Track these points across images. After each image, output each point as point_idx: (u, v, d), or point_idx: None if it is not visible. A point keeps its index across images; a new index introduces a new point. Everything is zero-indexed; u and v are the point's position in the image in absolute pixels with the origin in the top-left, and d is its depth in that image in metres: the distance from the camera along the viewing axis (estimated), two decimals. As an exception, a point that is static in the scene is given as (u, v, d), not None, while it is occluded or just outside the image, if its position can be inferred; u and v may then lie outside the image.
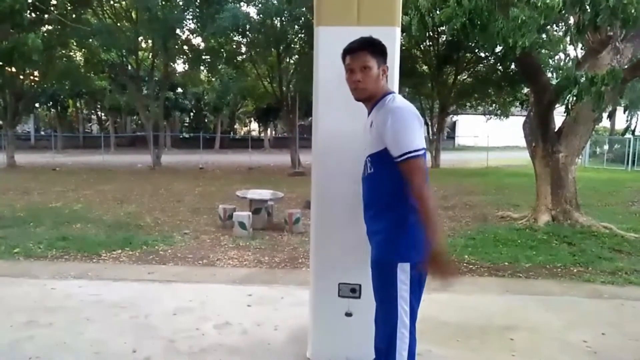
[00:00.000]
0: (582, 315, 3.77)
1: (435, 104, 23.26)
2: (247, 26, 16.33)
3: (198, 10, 17.88)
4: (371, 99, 2.14)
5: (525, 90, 17.45)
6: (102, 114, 41.14)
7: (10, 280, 4.48)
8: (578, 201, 7.43)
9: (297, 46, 19.04)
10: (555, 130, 7.38)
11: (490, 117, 26.71)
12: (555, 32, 7.70)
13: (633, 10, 5.00)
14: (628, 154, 21.00)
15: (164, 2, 17.74)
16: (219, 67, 22.32)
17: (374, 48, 2.10)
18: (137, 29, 18.92)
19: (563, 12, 5.66)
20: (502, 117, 24.87)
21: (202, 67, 23.69)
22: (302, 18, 16.18)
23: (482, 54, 18.85)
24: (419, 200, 1.94)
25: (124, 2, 19.81)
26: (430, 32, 17.42)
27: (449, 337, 3.26)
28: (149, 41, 20.96)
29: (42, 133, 41.97)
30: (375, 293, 2.17)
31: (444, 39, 18.96)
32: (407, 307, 2.05)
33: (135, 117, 39.95)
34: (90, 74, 23.70)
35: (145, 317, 3.55)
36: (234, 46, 20.39)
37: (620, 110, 8.01)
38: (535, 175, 7.65)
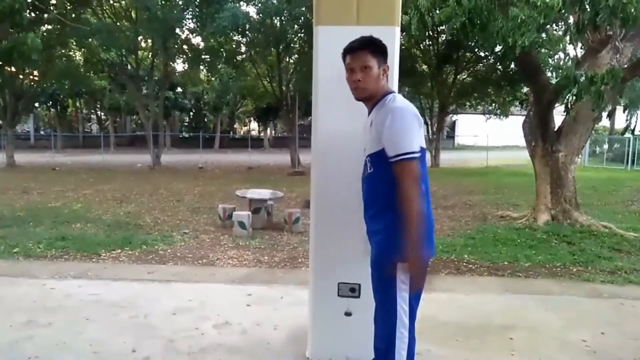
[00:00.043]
0: (581, 314, 3.77)
1: (434, 104, 23.26)
2: (247, 26, 16.32)
3: (198, 10, 17.87)
4: (371, 98, 2.13)
5: (525, 89, 17.44)
6: (102, 114, 41.14)
7: (9, 280, 4.48)
8: (578, 200, 7.43)
9: (297, 46, 19.03)
10: (555, 129, 7.38)
11: (490, 117, 26.70)
12: (554, 32, 7.69)
13: (633, 10, 5.00)
14: (628, 153, 21.02)
15: (163, 2, 17.73)
16: (219, 66, 22.32)
17: (374, 47, 2.09)
18: (136, 28, 18.92)
19: (563, 11, 5.66)
20: (501, 117, 24.88)
21: (201, 67, 23.68)
22: (302, 17, 16.17)
23: (482, 54, 18.84)
24: (404, 203, 1.94)
25: (123, 2, 19.80)
26: (430, 32, 17.42)
27: (449, 337, 3.26)
28: (149, 41, 20.96)
29: (42, 133, 41.97)
30: (375, 293, 2.17)
31: (444, 38, 18.95)
32: (407, 307, 2.05)
33: (134, 117, 39.96)
34: (89, 73, 23.70)
35: (144, 317, 3.55)
36: (234, 46, 20.38)
37: (619, 110, 8.01)
38: (534, 174, 7.65)
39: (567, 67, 6.20)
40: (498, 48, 7.34)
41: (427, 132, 22.50)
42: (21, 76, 20.23)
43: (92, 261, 5.28)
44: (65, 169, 18.43)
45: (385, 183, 2.05)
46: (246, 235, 6.53)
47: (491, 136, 26.18)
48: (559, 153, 7.19)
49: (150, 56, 22.16)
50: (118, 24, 19.37)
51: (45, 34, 17.37)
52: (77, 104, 39.88)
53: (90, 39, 18.15)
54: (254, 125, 49.62)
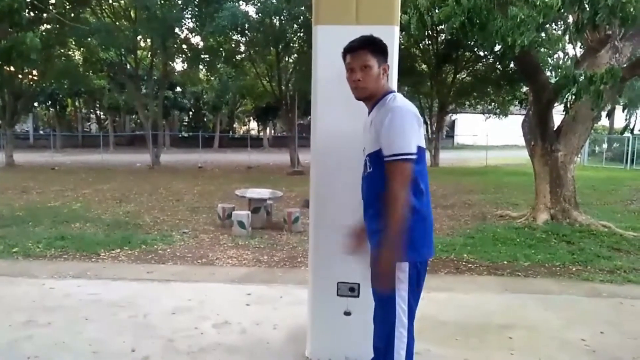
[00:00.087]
0: (580, 313, 3.77)
1: (434, 103, 23.26)
2: (246, 25, 16.30)
3: (197, 9, 17.85)
4: (372, 98, 2.13)
5: (524, 89, 17.45)
6: (101, 113, 41.13)
7: (9, 279, 4.48)
8: (577, 200, 7.44)
9: (296, 45, 19.01)
10: (554, 129, 7.39)
11: (490, 116, 26.72)
12: (554, 31, 7.69)
13: (632, 9, 5.00)
14: (627, 153, 21.04)
15: (162, 1, 17.72)
16: (218, 66, 22.30)
17: (374, 47, 2.09)
18: (135, 27, 18.90)
19: (562, 10, 5.66)
20: (501, 116, 24.88)
21: (201, 66, 23.65)
22: (301, 17, 16.16)
23: (481, 53, 18.83)
24: (390, 202, 1.94)
25: (122, 1, 19.80)
26: (429, 31, 17.40)
27: (448, 336, 3.26)
28: (148, 40, 20.92)
29: (41, 132, 41.91)
30: (374, 292, 2.16)
31: (443, 37, 18.96)
32: (405, 307, 2.05)
33: (134, 116, 39.94)
34: (89, 73, 23.67)
35: (144, 317, 3.55)
36: (233, 45, 20.37)
37: (619, 109, 8.01)
38: (534, 174, 7.65)
39: (567, 67, 6.21)
40: (497, 47, 7.33)
41: (427, 131, 22.50)
42: (20, 76, 20.23)
43: (91, 261, 5.28)
44: (64, 169, 18.42)
45: (385, 183, 2.05)
46: (245, 235, 6.53)
47: (490, 135, 26.21)
48: (558, 152, 7.19)
49: (149, 56, 22.15)
50: (117, 23, 19.36)
51: (44, 33, 17.35)
52: (76, 103, 39.87)
53: (89, 39, 18.14)
54: (253, 124, 49.63)
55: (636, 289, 4.43)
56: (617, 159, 22.01)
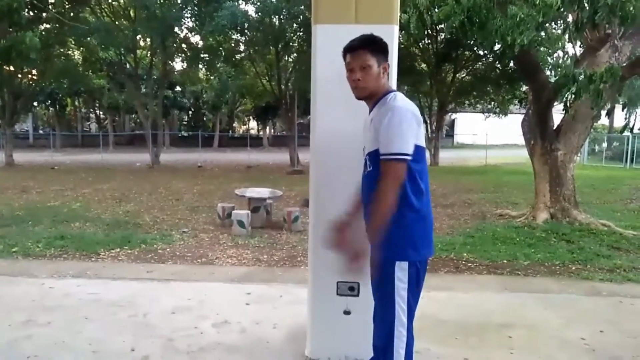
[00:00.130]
0: (580, 312, 3.77)
1: (434, 102, 23.24)
2: (246, 24, 16.27)
3: (196, 9, 17.83)
4: (372, 97, 2.12)
5: (524, 88, 17.41)
6: (101, 113, 41.11)
7: (8, 279, 4.48)
8: (577, 199, 7.44)
9: (296, 44, 19.00)
10: (554, 128, 7.39)
11: (489, 115, 26.68)
12: (553, 30, 7.69)
13: (631, 8, 5.00)
14: (626, 152, 21.04)
15: (162, 1, 17.71)
16: (218, 65, 22.29)
17: (374, 46, 2.08)
18: (135, 27, 18.88)
19: (561, 9, 5.66)
20: (500, 115, 24.84)
21: (200, 66, 23.65)
22: (301, 16, 16.14)
23: (481, 52, 18.80)
24: (379, 199, 1.96)
25: (122, 1, 19.78)
26: (429, 30, 17.38)
27: (448, 335, 3.26)
28: (147, 39, 20.91)
29: (41, 132, 41.86)
30: (374, 291, 2.17)
31: (443, 36, 18.93)
32: (405, 306, 2.05)
33: (133, 116, 39.91)
34: (88, 72, 23.65)
35: (143, 316, 3.55)
36: (233, 44, 20.36)
37: (618, 108, 8.01)
38: (533, 173, 7.65)
39: (566, 66, 6.21)
40: (497, 46, 7.32)
41: (426, 130, 22.49)
42: (20, 75, 20.22)
43: (91, 260, 5.28)
44: (64, 168, 18.41)
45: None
46: (245, 234, 6.53)
47: (490, 135, 26.20)
48: (558, 151, 7.19)
49: (149, 55, 22.13)
50: (117, 22, 19.34)
51: (43, 32, 17.34)
52: (76, 103, 39.84)
53: (88, 38, 18.13)
54: (253, 124, 49.59)
55: (636, 287, 4.43)
56: (617, 158, 22.01)
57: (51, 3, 17.36)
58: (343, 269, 2.12)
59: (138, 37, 20.33)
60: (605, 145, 23.95)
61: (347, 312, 2.66)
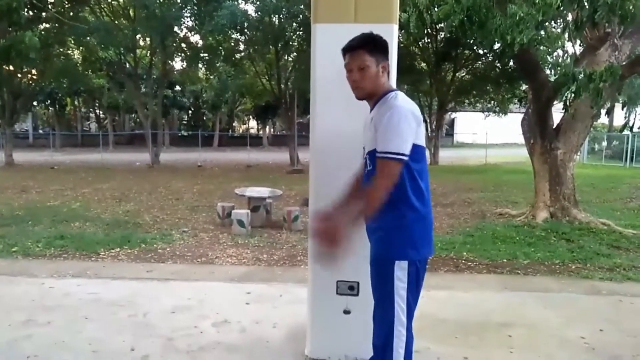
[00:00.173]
0: (580, 311, 3.77)
1: (433, 101, 23.24)
2: (245, 24, 16.26)
3: (196, 8, 17.83)
4: (372, 97, 2.12)
5: (524, 87, 17.42)
6: (100, 112, 41.08)
7: (8, 279, 4.48)
8: (576, 198, 7.44)
9: (295, 43, 18.99)
10: (554, 126, 7.39)
11: (489, 114, 26.67)
12: (553, 29, 7.69)
13: (631, 7, 5.00)
14: (626, 151, 21.04)
15: (161, 0, 17.69)
16: (217, 64, 22.28)
17: (372, 46, 2.07)
18: (134, 26, 18.88)
19: (561, 8, 5.65)
20: (500, 114, 24.84)
21: (200, 65, 23.65)
22: (300, 15, 16.14)
23: (481, 51, 18.79)
24: (370, 194, 1.99)
25: (121, 0, 19.75)
26: (429, 29, 17.35)
27: (448, 334, 3.26)
28: (147, 39, 20.91)
29: (40, 131, 41.84)
30: (373, 290, 2.16)
31: (442, 36, 18.92)
32: (404, 305, 2.04)
33: (133, 115, 39.90)
34: (88, 72, 23.66)
35: (143, 316, 3.55)
36: (232, 44, 20.35)
37: (618, 107, 8.02)
38: (533, 172, 7.65)
39: (566, 65, 6.20)
40: (497, 45, 7.32)
41: (426, 129, 22.49)
42: (19, 75, 20.22)
43: (91, 260, 5.28)
44: (63, 168, 18.41)
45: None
46: (245, 234, 6.52)
47: (490, 134, 26.19)
48: (557, 150, 7.19)
49: (148, 54, 22.13)
50: (116, 22, 19.34)
51: (43, 32, 17.34)
52: (76, 102, 39.82)
53: (88, 38, 18.12)
54: (252, 123, 49.57)
55: (635, 286, 4.43)
56: (617, 157, 22.02)
57: (50, 3, 17.35)
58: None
59: (138, 36, 20.33)
60: (605, 144, 23.95)
61: (347, 312, 2.67)
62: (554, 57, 7.11)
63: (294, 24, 17.30)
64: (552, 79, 6.85)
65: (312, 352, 2.85)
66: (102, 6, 19.41)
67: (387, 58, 2.12)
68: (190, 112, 44.92)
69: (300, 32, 17.58)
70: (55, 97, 35.03)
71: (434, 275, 4.60)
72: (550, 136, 7.25)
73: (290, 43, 18.88)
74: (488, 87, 21.69)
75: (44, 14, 17.29)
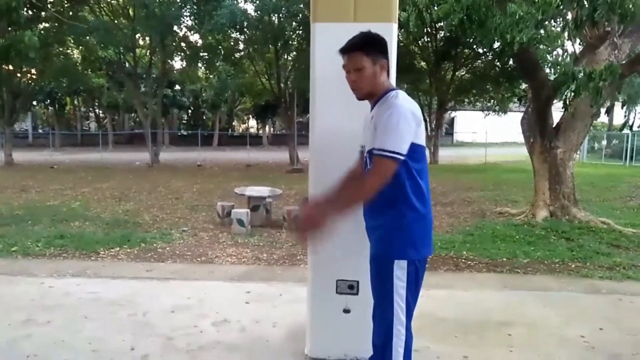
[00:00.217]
0: (580, 310, 3.77)
1: (433, 100, 23.24)
2: (245, 23, 16.27)
3: (195, 7, 17.83)
4: (371, 96, 2.11)
5: (524, 86, 17.42)
6: (100, 112, 41.08)
7: (8, 278, 4.47)
8: (576, 197, 7.44)
9: (295, 43, 18.98)
10: (553, 125, 7.38)
11: (489, 113, 26.67)
12: (553, 28, 7.69)
13: (631, 6, 5.00)
14: (626, 149, 21.06)
15: (161, -1, 17.70)
16: (217, 64, 22.28)
17: (368, 47, 2.06)
18: (134, 26, 18.87)
19: (561, 7, 5.66)
20: (500, 113, 24.84)
21: (199, 64, 23.64)
22: (300, 15, 16.13)
23: (480, 50, 18.79)
24: (361, 187, 2.01)
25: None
26: (428, 28, 17.33)
27: (448, 333, 3.26)
28: (147, 38, 20.90)
29: (40, 131, 41.85)
30: (373, 289, 2.16)
31: (442, 35, 18.91)
32: (404, 304, 2.04)
33: (133, 115, 39.93)
34: (87, 71, 23.67)
35: (143, 315, 3.55)
36: (232, 43, 20.33)
37: (618, 106, 8.01)
38: (533, 171, 7.65)
39: (566, 64, 6.21)
40: (496, 44, 7.32)
41: (426, 128, 22.42)
42: (19, 74, 20.20)
43: (90, 259, 5.28)
44: (63, 167, 18.41)
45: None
46: (245, 233, 6.52)
47: (490, 133, 26.22)
48: (557, 149, 7.19)
49: (148, 54, 22.11)
50: (115, 21, 19.34)
51: (42, 31, 17.33)
52: (75, 102, 39.83)
53: (87, 37, 18.12)
54: (252, 122, 49.59)
55: (635, 285, 4.43)
56: (616, 156, 22.04)
57: (50, 2, 17.35)
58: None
59: (137, 35, 20.32)
60: (604, 143, 23.97)
61: (346, 311, 2.67)
62: (554, 56, 7.12)
63: (294, 23, 17.29)
64: (552, 77, 6.85)
65: (312, 351, 2.85)
66: (102, 5, 19.41)
67: (385, 57, 2.11)
68: (189, 111, 44.93)
69: (300, 31, 17.57)
70: (55, 97, 35.06)
71: (434, 274, 4.60)
72: (550, 135, 7.25)
73: (290, 42, 18.88)
74: (488, 86, 21.69)
75: (43, 13, 17.28)
